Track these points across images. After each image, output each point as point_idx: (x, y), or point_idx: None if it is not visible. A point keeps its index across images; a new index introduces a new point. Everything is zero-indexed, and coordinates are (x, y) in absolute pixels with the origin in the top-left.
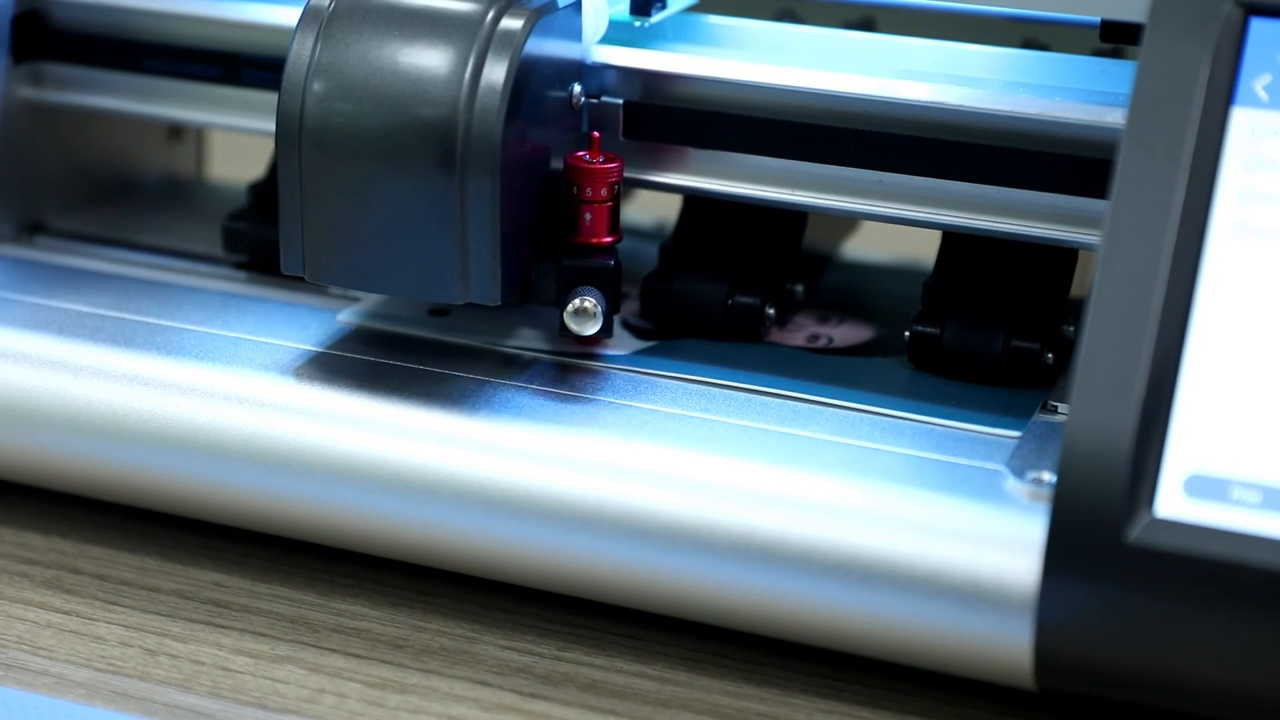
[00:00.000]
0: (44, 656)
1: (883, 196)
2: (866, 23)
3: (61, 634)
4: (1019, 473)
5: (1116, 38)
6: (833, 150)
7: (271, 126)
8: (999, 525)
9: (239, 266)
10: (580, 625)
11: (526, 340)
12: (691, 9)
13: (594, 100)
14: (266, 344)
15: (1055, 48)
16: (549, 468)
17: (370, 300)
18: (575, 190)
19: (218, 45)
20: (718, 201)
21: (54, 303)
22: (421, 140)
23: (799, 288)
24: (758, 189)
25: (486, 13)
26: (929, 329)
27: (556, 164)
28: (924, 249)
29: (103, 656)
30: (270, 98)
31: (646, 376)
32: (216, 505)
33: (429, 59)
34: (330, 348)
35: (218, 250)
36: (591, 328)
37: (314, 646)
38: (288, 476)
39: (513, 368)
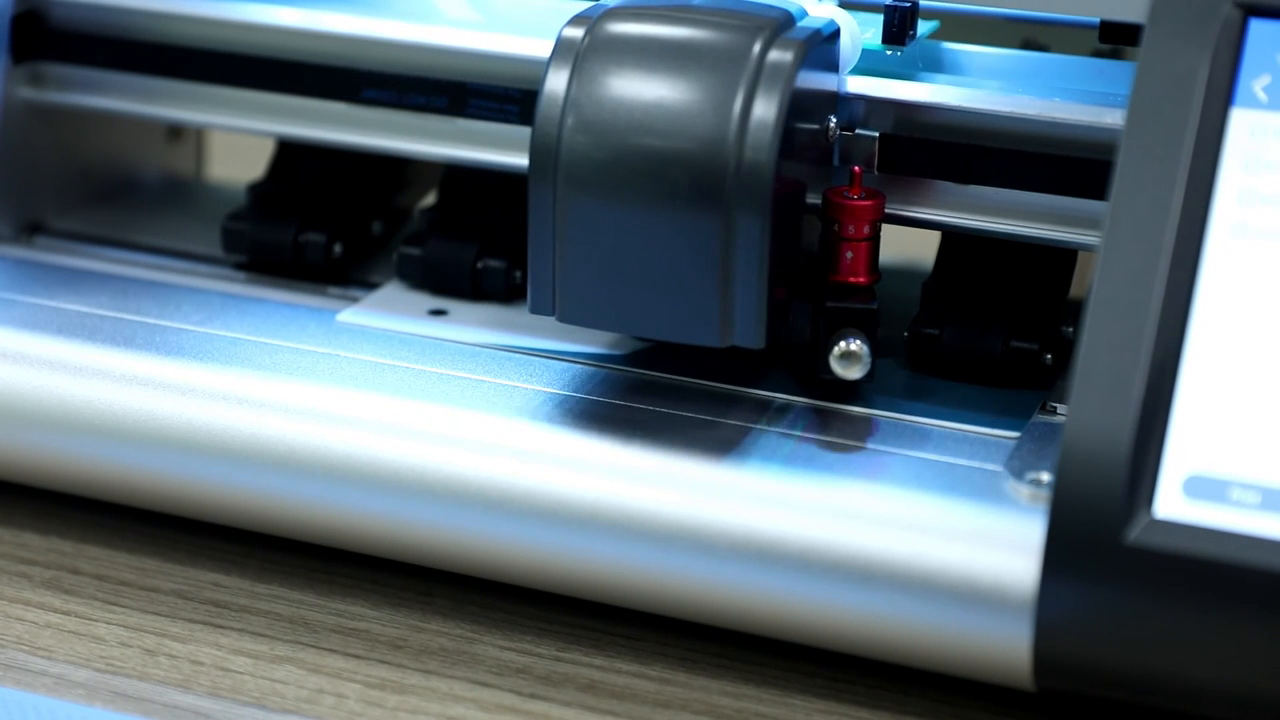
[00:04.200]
0: (43, 657)
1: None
2: None
3: (61, 634)
4: (1018, 473)
5: (1115, 38)
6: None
7: (272, 127)
8: (998, 526)
9: (239, 266)
10: (580, 625)
11: (525, 339)
12: (933, 35)
13: (848, 133)
14: (266, 344)
15: (1055, 48)
16: (548, 468)
17: (369, 300)
18: (836, 227)
19: (217, 45)
20: None
21: (54, 303)
22: (687, 178)
23: None
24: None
25: (753, 44)
26: (929, 329)
27: (810, 199)
28: (924, 249)
29: (102, 657)
30: (270, 98)
31: (647, 377)
32: (216, 505)
33: (693, 93)
34: (329, 348)
35: (218, 250)
36: (858, 372)
37: (313, 647)
38: (287, 477)
39: (511, 366)
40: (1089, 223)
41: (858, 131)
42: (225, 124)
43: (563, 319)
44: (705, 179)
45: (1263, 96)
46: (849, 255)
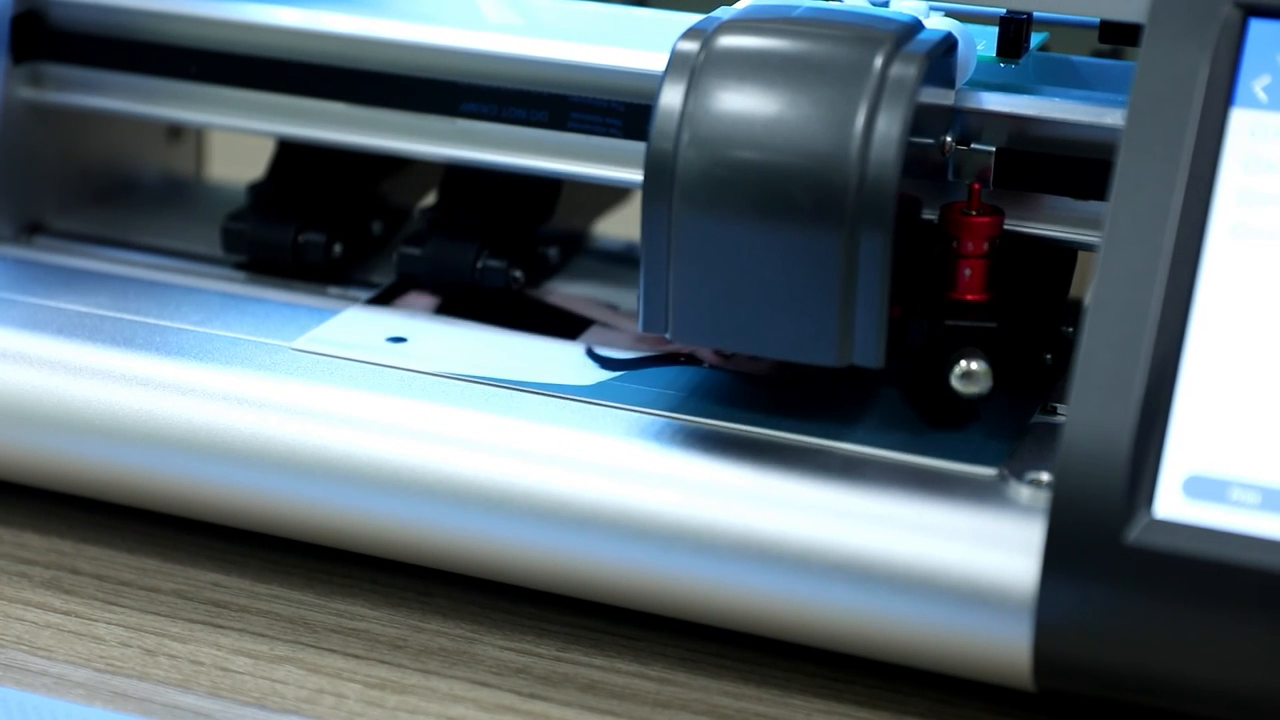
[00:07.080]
0: (43, 656)
1: None
2: None
3: (60, 634)
4: (1018, 474)
5: (1116, 38)
6: None
7: (272, 127)
8: (998, 526)
9: (239, 266)
10: (580, 625)
11: (514, 366)
12: (1042, 47)
13: (962, 147)
14: (266, 344)
15: (1055, 48)
16: (547, 468)
17: (329, 323)
18: (954, 244)
19: (217, 46)
20: None
21: (54, 303)
22: (808, 194)
23: None
24: None
25: (874, 58)
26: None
27: (925, 215)
28: None
29: (102, 657)
30: (270, 98)
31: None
32: (216, 505)
33: (814, 108)
34: (327, 348)
35: (217, 250)
36: (980, 390)
37: (313, 647)
38: (287, 476)
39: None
40: None
41: (973, 146)
42: (225, 124)
43: (676, 338)
44: (827, 196)
45: (1263, 96)
46: (967, 272)
